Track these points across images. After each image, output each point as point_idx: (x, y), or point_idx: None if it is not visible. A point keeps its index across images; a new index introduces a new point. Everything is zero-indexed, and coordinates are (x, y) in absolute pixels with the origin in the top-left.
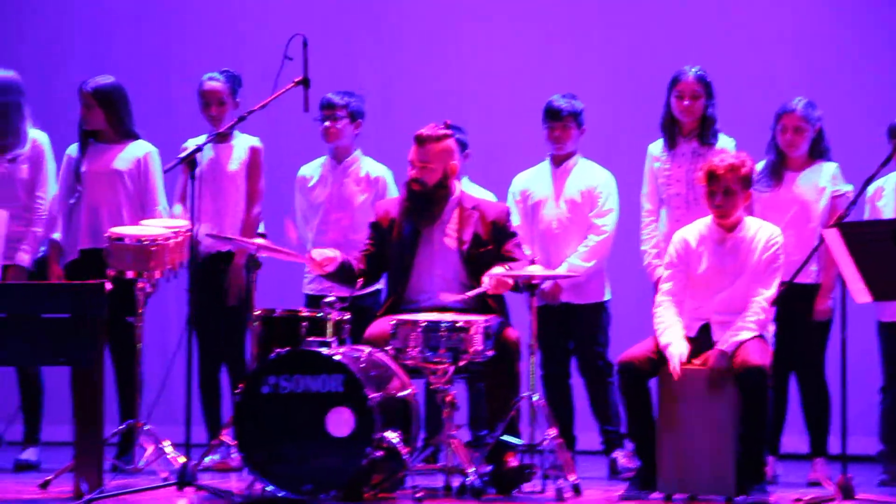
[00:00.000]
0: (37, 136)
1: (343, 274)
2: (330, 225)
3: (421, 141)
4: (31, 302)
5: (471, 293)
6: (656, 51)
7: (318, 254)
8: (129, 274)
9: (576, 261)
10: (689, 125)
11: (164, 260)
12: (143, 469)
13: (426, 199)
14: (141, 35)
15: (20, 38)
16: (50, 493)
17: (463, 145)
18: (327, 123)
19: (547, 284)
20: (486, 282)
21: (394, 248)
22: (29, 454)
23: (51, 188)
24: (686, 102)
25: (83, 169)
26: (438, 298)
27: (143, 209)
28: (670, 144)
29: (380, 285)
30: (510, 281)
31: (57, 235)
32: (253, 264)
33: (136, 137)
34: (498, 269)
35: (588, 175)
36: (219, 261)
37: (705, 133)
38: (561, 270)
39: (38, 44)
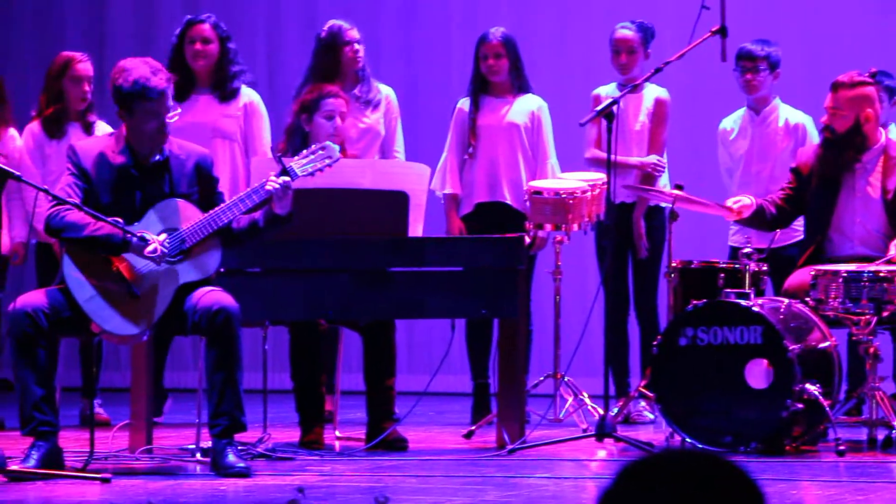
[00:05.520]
0: (389, 92)
1: (757, 218)
2: (752, 177)
3: (835, 87)
4: (455, 255)
5: (880, 261)
6: None
7: (733, 201)
8: (548, 227)
9: None
10: None
11: (581, 213)
12: (563, 420)
13: (839, 146)
14: None
15: None
16: (474, 442)
17: (890, 91)
18: (748, 76)
19: None
20: (893, 251)
21: (813, 196)
22: None
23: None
24: None
25: (479, 123)
26: (860, 248)
27: (536, 162)
28: None
29: (800, 235)
30: None
31: (449, 190)
32: (671, 215)
33: (528, 90)
34: None
35: None
36: (626, 212)
37: None
38: None
39: None
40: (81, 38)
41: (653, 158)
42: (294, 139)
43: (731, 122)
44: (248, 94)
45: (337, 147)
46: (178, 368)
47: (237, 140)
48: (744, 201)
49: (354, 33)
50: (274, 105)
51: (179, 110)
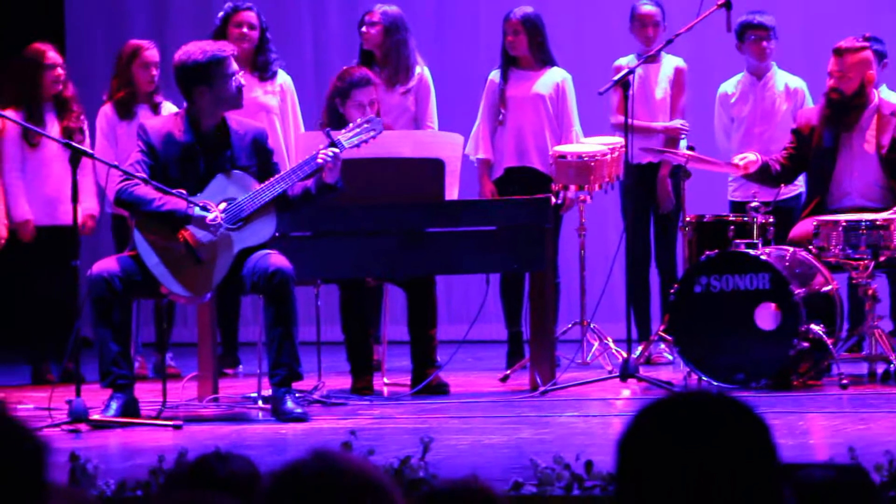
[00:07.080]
0: (423, 70)
1: (763, 174)
2: (753, 138)
3: (839, 53)
4: (488, 215)
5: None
6: None
7: (739, 157)
8: (572, 187)
9: None
10: None
11: (602, 174)
12: (590, 363)
13: (844, 108)
14: None
15: None
16: (509, 385)
17: (881, 55)
18: (764, 44)
19: None
20: None
21: (815, 154)
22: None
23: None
24: None
25: (508, 94)
26: (859, 200)
27: (561, 130)
28: None
29: (801, 188)
30: None
31: (482, 155)
32: (683, 174)
33: (553, 63)
34: None
35: None
36: (649, 171)
37: None
38: None
39: None
40: (145, 27)
41: (678, 122)
42: (331, 113)
43: (731, 86)
44: (283, 76)
45: (381, 120)
46: (240, 324)
47: (278, 114)
48: (749, 157)
49: (371, 16)
50: (319, 87)
51: (242, 72)
